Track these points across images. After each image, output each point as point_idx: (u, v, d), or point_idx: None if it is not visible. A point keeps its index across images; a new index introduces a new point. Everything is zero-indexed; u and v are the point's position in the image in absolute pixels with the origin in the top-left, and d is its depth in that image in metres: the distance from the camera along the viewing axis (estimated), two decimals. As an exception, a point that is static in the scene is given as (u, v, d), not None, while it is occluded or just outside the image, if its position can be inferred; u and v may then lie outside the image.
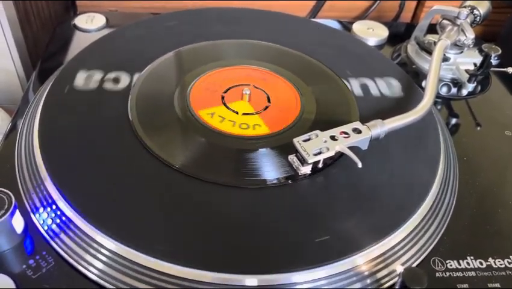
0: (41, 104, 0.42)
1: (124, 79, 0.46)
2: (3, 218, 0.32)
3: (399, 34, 0.63)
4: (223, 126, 0.43)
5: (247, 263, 0.33)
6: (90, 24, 0.58)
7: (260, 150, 0.40)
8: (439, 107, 0.52)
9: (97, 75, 0.46)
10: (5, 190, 0.33)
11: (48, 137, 0.39)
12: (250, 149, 0.40)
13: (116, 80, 0.46)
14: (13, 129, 0.44)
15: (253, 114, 0.44)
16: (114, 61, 0.48)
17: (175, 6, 0.67)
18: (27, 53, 0.58)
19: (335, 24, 0.65)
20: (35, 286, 0.32)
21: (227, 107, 0.45)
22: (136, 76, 0.47)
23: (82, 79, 0.46)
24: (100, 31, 0.58)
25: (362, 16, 0.71)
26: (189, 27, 0.55)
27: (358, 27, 0.61)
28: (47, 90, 0.44)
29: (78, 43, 0.56)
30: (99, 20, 0.59)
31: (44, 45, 0.57)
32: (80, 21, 0.59)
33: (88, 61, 0.48)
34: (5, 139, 0.43)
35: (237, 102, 0.45)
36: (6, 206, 0.33)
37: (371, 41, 0.60)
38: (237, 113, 0.44)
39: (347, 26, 0.64)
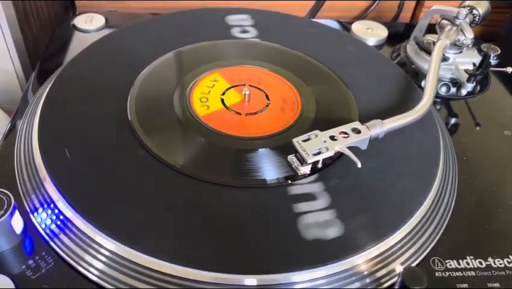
0: (41, 104, 0.42)
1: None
2: (2, 218, 0.32)
3: (398, 34, 0.63)
4: (198, 89, 0.45)
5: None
6: (90, 24, 0.58)
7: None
8: (438, 107, 0.52)
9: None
10: (4, 190, 0.33)
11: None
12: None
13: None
14: (12, 129, 0.44)
15: (223, 104, 0.45)
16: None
17: (175, 7, 0.67)
18: (26, 54, 0.58)
19: (335, 25, 0.65)
20: (35, 287, 0.32)
21: (227, 88, 0.46)
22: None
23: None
24: (100, 31, 0.58)
25: (362, 16, 0.71)
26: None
27: (358, 27, 0.61)
28: (46, 91, 0.44)
29: (77, 44, 0.56)
30: (99, 20, 0.59)
31: (44, 46, 0.57)
32: (79, 21, 0.59)
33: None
34: (4, 140, 0.43)
35: (239, 94, 0.46)
36: (5, 207, 0.33)
37: (371, 41, 0.60)
38: (223, 94, 0.45)
39: (346, 26, 0.65)
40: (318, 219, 0.36)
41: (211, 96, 0.45)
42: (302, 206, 0.37)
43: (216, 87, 0.46)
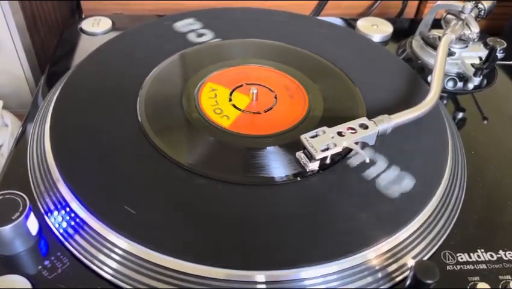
0: (52, 107, 0.43)
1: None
2: (18, 220, 0.33)
3: (403, 30, 0.63)
4: (207, 101, 0.45)
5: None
6: (97, 27, 0.59)
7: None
8: (445, 102, 0.52)
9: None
10: (19, 193, 0.34)
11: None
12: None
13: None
14: (24, 132, 0.45)
15: (238, 109, 0.45)
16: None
17: (179, 8, 0.67)
18: (35, 58, 0.58)
19: (340, 22, 0.66)
20: (52, 287, 0.32)
21: (230, 93, 0.46)
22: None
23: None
24: (106, 34, 0.59)
25: (366, 13, 0.71)
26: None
27: (363, 24, 0.62)
28: (57, 94, 0.45)
29: (85, 47, 0.56)
30: (105, 23, 0.60)
31: (52, 49, 0.58)
32: (86, 25, 0.59)
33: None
34: (16, 143, 0.44)
35: (244, 95, 0.46)
36: (21, 209, 0.33)
37: (376, 38, 0.60)
38: (230, 100, 0.45)
39: (351, 23, 0.65)
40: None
41: (220, 103, 0.45)
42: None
43: (219, 96, 0.46)
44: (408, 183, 0.39)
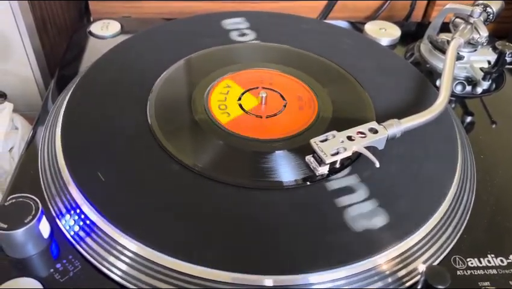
0: (62, 111, 0.43)
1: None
2: (30, 224, 0.33)
3: (410, 33, 0.63)
4: (214, 96, 0.46)
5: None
6: (106, 31, 0.59)
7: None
8: (453, 106, 0.52)
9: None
10: (31, 196, 0.34)
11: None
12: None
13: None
14: (35, 135, 0.45)
15: (242, 109, 0.45)
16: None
17: (187, 11, 0.67)
18: (45, 61, 0.59)
19: (347, 25, 0.65)
20: (63, 289, 0.33)
21: (241, 94, 0.47)
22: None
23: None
24: (115, 38, 0.59)
25: (373, 16, 0.71)
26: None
27: (370, 28, 0.62)
28: (67, 97, 0.45)
29: (94, 50, 0.56)
30: (114, 26, 0.60)
31: (61, 52, 0.58)
32: (96, 28, 0.59)
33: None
34: (27, 146, 0.44)
35: (254, 98, 0.46)
36: (33, 212, 0.33)
37: (384, 41, 0.60)
38: (239, 99, 0.46)
39: (359, 26, 0.65)
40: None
41: (229, 103, 0.45)
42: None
43: (231, 93, 0.47)
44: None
